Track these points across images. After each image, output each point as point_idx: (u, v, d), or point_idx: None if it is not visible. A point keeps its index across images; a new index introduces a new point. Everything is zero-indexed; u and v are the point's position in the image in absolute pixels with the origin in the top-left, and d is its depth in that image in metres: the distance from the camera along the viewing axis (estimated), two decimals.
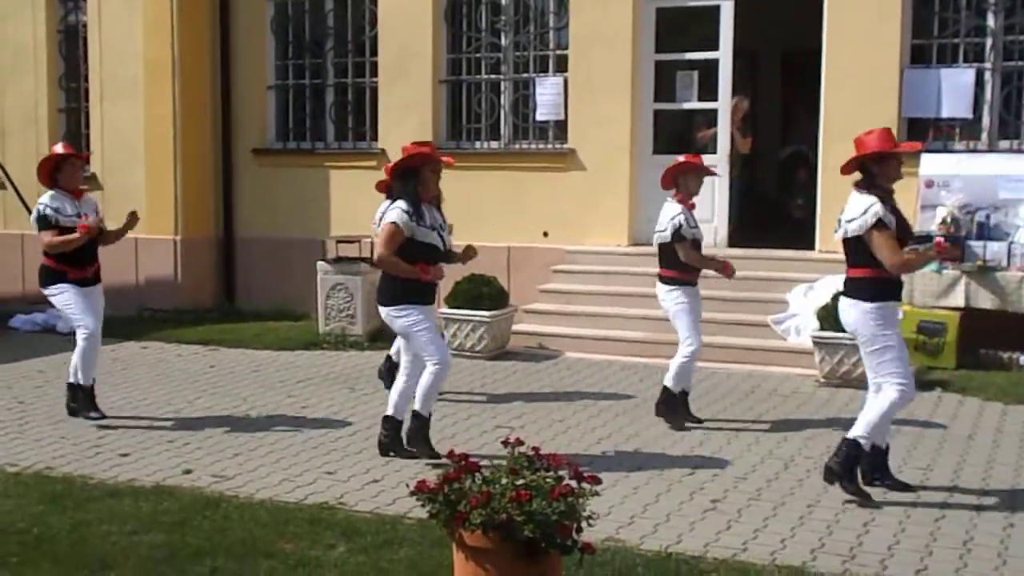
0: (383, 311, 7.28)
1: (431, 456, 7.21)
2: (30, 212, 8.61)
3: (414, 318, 7.12)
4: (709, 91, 12.07)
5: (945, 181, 10.43)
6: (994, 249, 10.05)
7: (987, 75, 10.98)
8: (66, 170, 8.31)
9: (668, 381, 8.27)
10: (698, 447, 7.73)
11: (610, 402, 9.00)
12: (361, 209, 9.27)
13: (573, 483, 4.48)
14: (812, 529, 6.02)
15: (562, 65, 12.49)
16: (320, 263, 11.95)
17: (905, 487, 6.63)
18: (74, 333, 8.46)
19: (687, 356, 8.19)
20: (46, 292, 8.38)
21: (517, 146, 12.80)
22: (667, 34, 12.20)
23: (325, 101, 13.73)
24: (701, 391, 9.31)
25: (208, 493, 6.66)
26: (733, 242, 11.93)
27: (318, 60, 13.73)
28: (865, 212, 6.28)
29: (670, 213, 8.12)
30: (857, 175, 6.53)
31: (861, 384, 6.55)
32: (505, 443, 4.73)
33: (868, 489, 6.49)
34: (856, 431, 6.48)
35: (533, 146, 12.74)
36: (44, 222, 8.21)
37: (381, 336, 11.04)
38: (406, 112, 12.83)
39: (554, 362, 10.71)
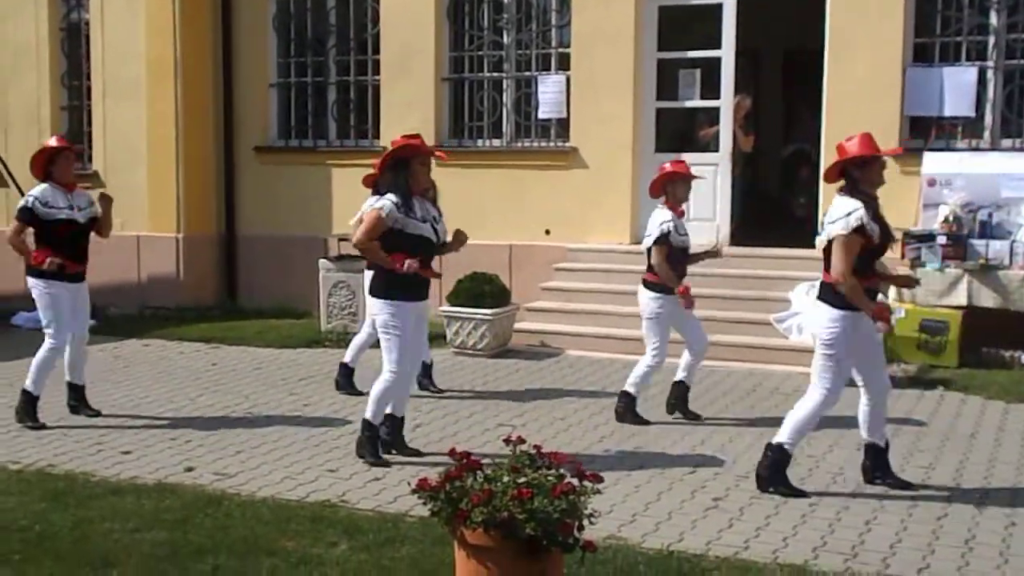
0: (370, 302, 7.28)
1: (381, 464, 7.17)
2: None
3: (392, 319, 7.05)
4: (711, 89, 12.06)
5: (947, 179, 10.42)
6: (996, 248, 10.05)
7: (989, 73, 10.97)
8: (59, 163, 8.25)
9: (630, 386, 8.31)
10: (700, 445, 7.73)
11: (612, 400, 8.97)
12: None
13: (575, 481, 4.48)
14: (814, 527, 6.02)
15: (564, 63, 12.49)
16: (322, 261, 11.95)
17: (907, 485, 6.64)
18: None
19: (652, 364, 8.24)
20: (32, 282, 8.23)
21: (519, 144, 12.80)
22: (669, 32, 12.19)
23: (327, 99, 13.73)
24: (702, 389, 9.31)
25: (210, 491, 6.67)
26: (735, 240, 11.92)
27: (320, 58, 13.73)
28: (849, 215, 6.26)
29: (659, 219, 8.15)
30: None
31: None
32: (507, 441, 4.73)
33: (882, 487, 6.54)
34: (781, 436, 6.57)
35: (535, 144, 12.73)
36: (26, 213, 8.14)
37: None
38: (408, 110, 12.83)
39: (556, 360, 10.71)
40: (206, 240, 13.91)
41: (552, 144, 12.63)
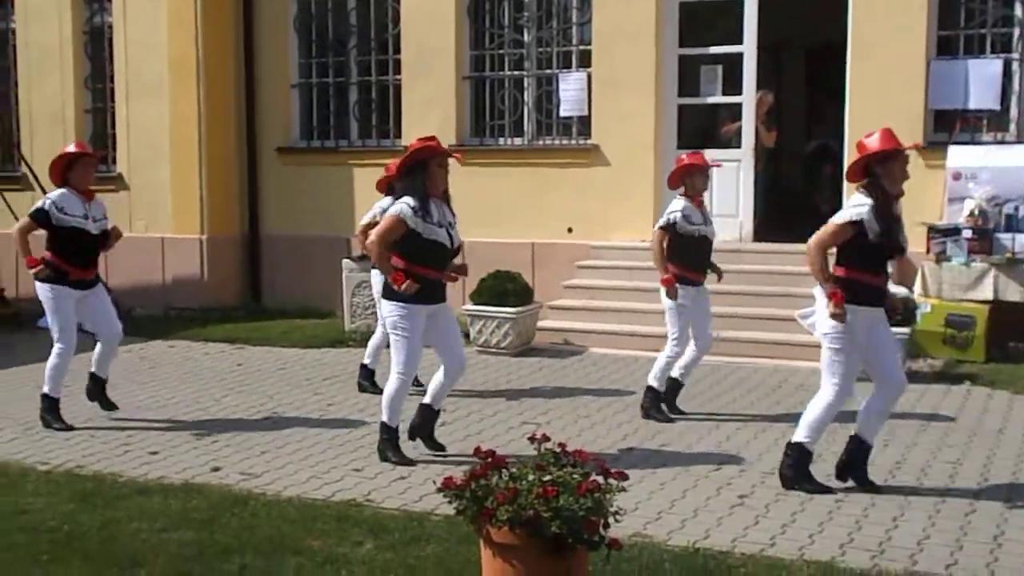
0: (381, 303, 7.28)
1: (405, 463, 7.19)
2: None
3: (400, 321, 7.03)
4: (733, 85, 12.02)
5: (973, 173, 10.37)
6: (1022, 241, 9.97)
7: (1015, 66, 10.89)
8: (78, 169, 8.21)
9: (652, 380, 8.33)
10: (725, 442, 7.71)
11: (636, 397, 8.96)
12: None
13: (600, 479, 4.48)
14: (840, 524, 6.00)
15: (585, 60, 12.47)
16: (345, 261, 11.97)
17: (874, 487, 6.54)
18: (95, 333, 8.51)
19: (671, 355, 8.27)
20: (40, 286, 8.23)
21: (541, 142, 12.79)
22: (691, 28, 12.16)
23: (348, 99, 13.76)
24: (727, 386, 9.30)
25: (236, 491, 6.69)
26: (759, 236, 11.89)
27: (341, 58, 13.76)
28: (856, 207, 6.31)
29: (671, 207, 8.22)
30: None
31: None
32: (532, 439, 4.73)
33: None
34: (799, 435, 6.55)
35: (557, 142, 12.72)
36: (40, 214, 8.13)
37: None
38: (429, 109, 12.84)
39: (579, 358, 10.70)
40: (229, 241, 13.97)
41: (574, 142, 12.62)
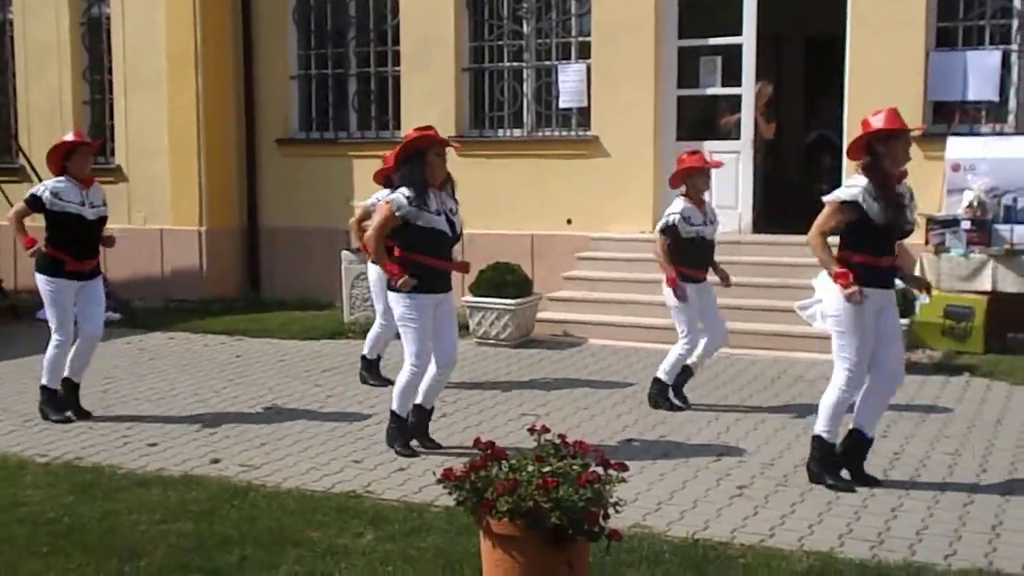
0: (389, 295, 7.26)
1: (409, 455, 7.20)
2: None
3: (408, 311, 7.02)
4: (733, 76, 12.01)
5: (971, 164, 10.35)
6: (1021, 233, 9.98)
7: (1013, 57, 10.88)
8: (75, 159, 8.20)
9: (661, 373, 8.36)
10: (724, 433, 7.72)
11: (635, 389, 8.99)
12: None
13: (600, 470, 4.48)
14: (839, 515, 6.00)
15: (585, 52, 12.45)
16: (344, 252, 11.96)
17: (873, 481, 6.48)
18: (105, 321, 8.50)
19: (683, 352, 8.28)
20: (39, 277, 8.21)
21: (540, 134, 12.78)
22: (690, 19, 12.14)
23: (348, 90, 13.74)
24: (727, 377, 9.31)
25: (236, 482, 6.69)
26: (758, 228, 11.89)
27: (340, 50, 13.74)
28: (848, 187, 6.32)
29: (671, 208, 8.24)
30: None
31: None
32: (531, 430, 4.73)
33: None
34: (817, 426, 6.53)
35: (556, 133, 12.71)
36: (33, 200, 8.13)
37: None
38: (429, 100, 12.83)
39: (579, 349, 10.71)
40: (228, 233, 13.96)
41: (573, 133, 12.61)
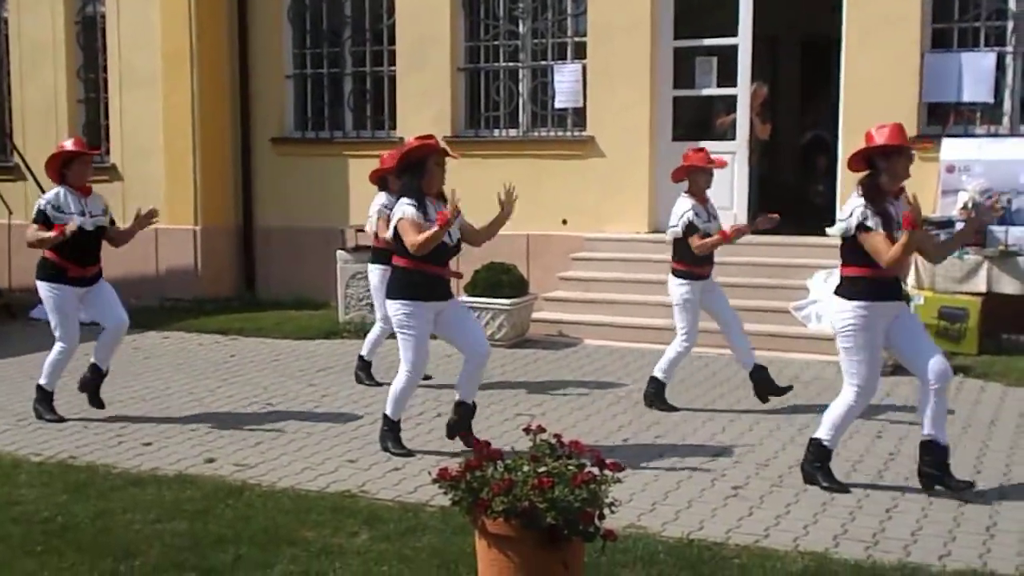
0: (387, 303, 7.22)
1: (403, 454, 7.20)
2: None
3: (406, 319, 6.99)
4: (728, 77, 12.02)
5: (966, 166, 10.37)
6: (1016, 234, 10.00)
7: (1008, 59, 10.90)
8: (75, 168, 8.15)
9: (658, 372, 8.36)
10: (719, 434, 7.72)
11: (630, 389, 9.00)
12: None
13: (595, 470, 4.48)
14: (834, 515, 6.01)
15: (580, 52, 12.46)
16: (339, 252, 11.96)
17: (967, 485, 6.32)
18: (95, 323, 8.46)
19: (681, 350, 8.29)
20: (40, 285, 8.20)
21: (536, 134, 12.78)
22: (686, 20, 12.15)
23: (343, 90, 13.73)
24: (722, 378, 9.31)
25: (230, 481, 6.69)
26: (753, 229, 11.86)
27: (336, 49, 13.73)
28: (850, 215, 6.26)
29: (680, 209, 8.21)
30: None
31: (881, 371, 6.54)
32: (527, 431, 4.73)
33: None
34: (820, 431, 6.51)
35: (552, 134, 12.71)
36: (40, 216, 8.08)
37: None
38: (424, 100, 12.82)
39: (574, 350, 10.71)
40: (223, 232, 13.94)
41: (569, 134, 12.61)
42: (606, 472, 4.50)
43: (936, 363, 6.26)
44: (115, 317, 8.32)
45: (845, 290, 6.35)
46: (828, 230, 6.57)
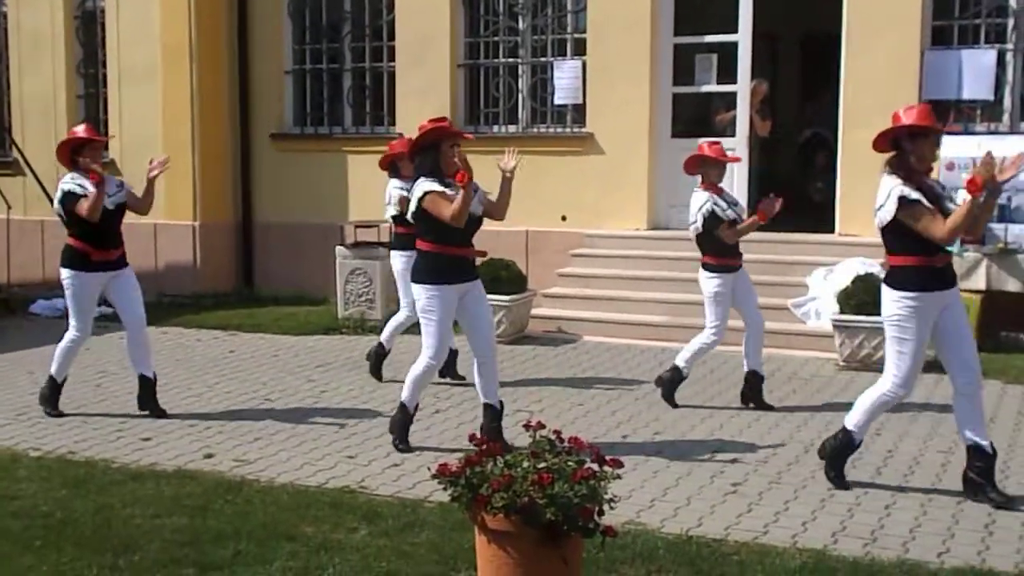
0: (413, 287, 7.18)
1: (405, 450, 7.19)
2: (50, 199, 8.49)
3: (429, 303, 6.98)
4: (728, 74, 12.01)
5: (966, 163, 10.35)
6: (1016, 231, 10.01)
7: (1008, 56, 10.90)
8: (86, 154, 8.08)
9: (680, 360, 8.32)
10: (718, 430, 7.72)
11: (630, 386, 9.00)
12: (379, 194, 9.26)
13: (595, 466, 4.48)
14: (833, 512, 6.01)
15: (580, 49, 12.45)
16: (339, 248, 11.96)
17: (1008, 500, 6.15)
18: (102, 316, 8.43)
19: (708, 342, 8.23)
20: (62, 271, 8.12)
21: (535, 130, 12.77)
22: (686, 16, 12.14)
23: (343, 86, 13.73)
24: (721, 374, 9.31)
25: (230, 477, 6.69)
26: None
27: (335, 45, 13.73)
28: (888, 196, 6.08)
29: (698, 203, 8.12)
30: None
31: (881, 367, 6.52)
32: (527, 427, 4.73)
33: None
34: (849, 420, 6.40)
35: (551, 130, 12.71)
36: (73, 196, 7.95)
37: None
38: (424, 96, 12.81)
39: (573, 346, 10.71)
40: (222, 228, 13.94)
41: (568, 130, 12.60)
42: (605, 468, 4.50)
43: (968, 370, 6.16)
44: (131, 313, 8.28)
45: (893, 280, 6.17)
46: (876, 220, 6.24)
